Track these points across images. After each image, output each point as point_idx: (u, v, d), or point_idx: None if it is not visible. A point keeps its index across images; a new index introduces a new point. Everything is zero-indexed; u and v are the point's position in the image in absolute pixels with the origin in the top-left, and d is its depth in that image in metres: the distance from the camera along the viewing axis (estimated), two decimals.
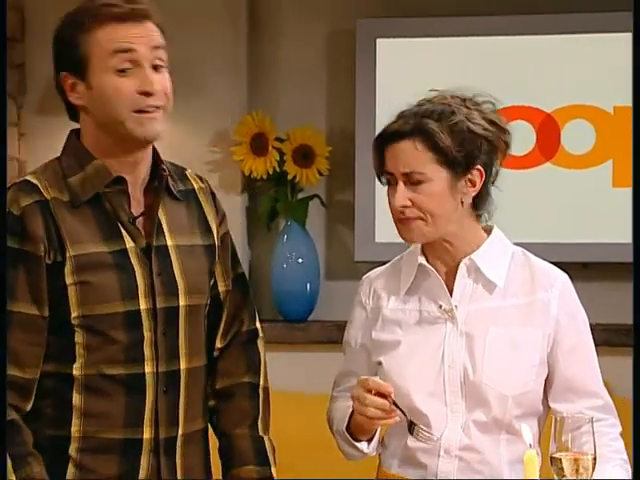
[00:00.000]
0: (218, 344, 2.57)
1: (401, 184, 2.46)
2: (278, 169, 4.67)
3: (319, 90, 4.82)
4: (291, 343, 4.58)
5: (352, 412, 2.48)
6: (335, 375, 2.70)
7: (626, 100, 4.52)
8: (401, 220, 2.49)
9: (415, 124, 2.46)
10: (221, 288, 2.57)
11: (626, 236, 4.52)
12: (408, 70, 4.51)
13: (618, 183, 4.56)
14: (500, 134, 2.52)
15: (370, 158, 4.68)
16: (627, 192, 4.52)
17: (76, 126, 2.49)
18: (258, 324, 2.63)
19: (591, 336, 2.57)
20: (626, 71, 4.51)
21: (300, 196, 4.73)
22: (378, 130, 4.66)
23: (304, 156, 4.67)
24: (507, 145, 2.55)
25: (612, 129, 4.56)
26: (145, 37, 2.37)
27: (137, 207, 2.43)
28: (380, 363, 2.55)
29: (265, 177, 4.67)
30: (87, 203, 2.40)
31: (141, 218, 2.43)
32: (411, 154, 2.46)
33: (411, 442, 2.51)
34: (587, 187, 4.58)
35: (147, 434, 2.41)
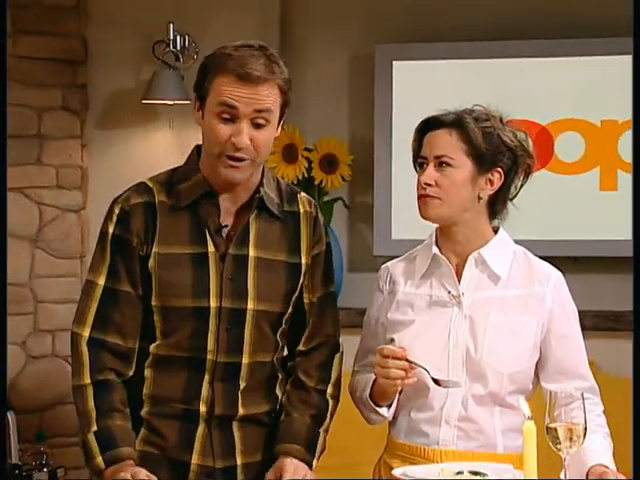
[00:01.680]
0: (301, 347, 2.58)
1: (431, 165, 2.50)
2: (306, 175, 4.66)
3: (342, 106, 4.81)
4: None
5: (374, 381, 2.49)
6: (355, 353, 2.70)
7: (611, 114, 4.53)
8: (422, 197, 2.51)
9: (455, 117, 2.50)
10: (306, 300, 2.57)
11: (611, 233, 4.53)
12: (420, 88, 4.51)
13: (604, 187, 4.56)
14: (526, 156, 2.54)
15: (387, 166, 4.71)
16: (612, 195, 4.53)
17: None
18: (340, 339, 2.63)
19: (579, 326, 2.58)
20: (611, 89, 4.52)
21: (326, 199, 4.72)
22: (394, 142, 4.68)
23: (329, 163, 4.67)
24: (530, 168, 2.56)
25: (599, 140, 4.55)
26: (252, 99, 2.36)
27: (228, 219, 2.46)
28: (392, 340, 2.55)
29: (295, 182, 4.67)
30: (186, 209, 2.45)
31: (228, 228, 2.46)
32: (446, 141, 2.49)
33: (414, 414, 2.53)
34: (577, 191, 4.57)
35: (203, 408, 2.45)
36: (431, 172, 2.49)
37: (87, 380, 2.41)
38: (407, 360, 2.41)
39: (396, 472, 2.38)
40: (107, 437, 2.38)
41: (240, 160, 2.37)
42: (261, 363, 2.51)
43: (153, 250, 2.43)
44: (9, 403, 4.45)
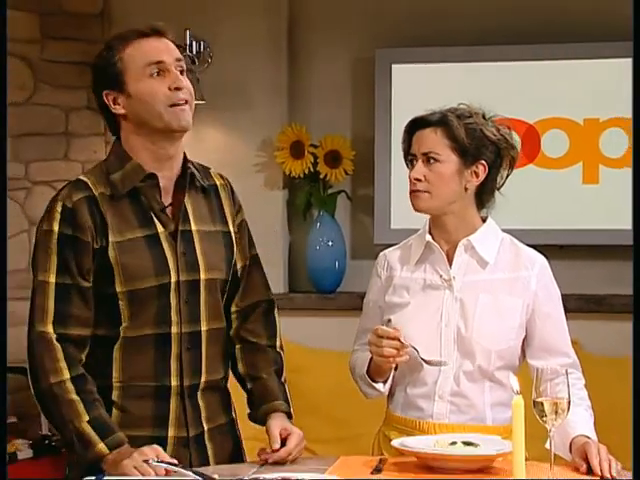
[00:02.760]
0: (234, 307, 2.55)
1: (420, 162, 2.50)
2: (312, 169, 4.66)
3: (345, 105, 4.80)
4: (323, 310, 4.60)
5: (371, 359, 2.50)
6: (355, 334, 2.70)
7: (593, 113, 4.52)
8: (413, 191, 2.52)
9: (440, 116, 2.50)
10: (239, 265, 2.55)
11: (593, 223, 4.53)
12: (418, 89, 4.50)
13: (587, 180, 4.55)
14: (509, 148, 2.54)
15: (386, 161, 4.72)
16: (594, 188, 4.53)
17: None
18: (272, 295, 2.62)
19: (563, 307, 2.58)
20: (593, 90, 4.51)
21: (330, 191, 4.71)
22: (393, 139, 4.68)
23: (333, 159, 4.66)
24: (514, 159, 2.56)
25: (582, 137, 4.54)
26: (168, 49, 2.39)
27: (167, 198, 2.43)
28: (390, 320, 2.55)
29: (302, 176, 4.67)
30: (126, 196, 2.39)
31: (170, 207, 2.43)
32: (432, 138, 2.49)
33: (410, 390, 2.53)
34: (562, 184, 4.56)
35: (174, 382, 2.41)
36: (420, 168, 2.50)
37: (67, 375, 2.32)
38: (399, 340, 2.42)
39: (394, 443, 2.39)
40: (102, 424, 2.30)
41: (184, 102, 2.36)
42: (217, 330, 2.47)
43: (110, 240, 2.35)
44: None
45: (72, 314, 2.36)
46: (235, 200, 2.57)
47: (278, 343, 2.59)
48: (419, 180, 2.50)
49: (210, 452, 2.46)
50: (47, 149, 4.63)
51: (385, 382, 2.53)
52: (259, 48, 4.67)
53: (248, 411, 2.55)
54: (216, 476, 2.04)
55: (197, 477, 2.09)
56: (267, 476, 1.97)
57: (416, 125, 2.54)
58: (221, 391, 2.53)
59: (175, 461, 2.25)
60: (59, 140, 4.67)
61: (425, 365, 2.49)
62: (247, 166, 4.63)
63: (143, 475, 2.21)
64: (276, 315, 2.61)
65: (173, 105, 2.35)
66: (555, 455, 2.22)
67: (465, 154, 2.49)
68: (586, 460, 2.29)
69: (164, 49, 2.39)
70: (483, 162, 2.51)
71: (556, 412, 2.19)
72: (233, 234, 2.52)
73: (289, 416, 2.51)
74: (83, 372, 2.36)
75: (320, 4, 4.78)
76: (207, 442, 2.46)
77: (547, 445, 2.22)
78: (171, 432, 2.41)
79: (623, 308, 4.46)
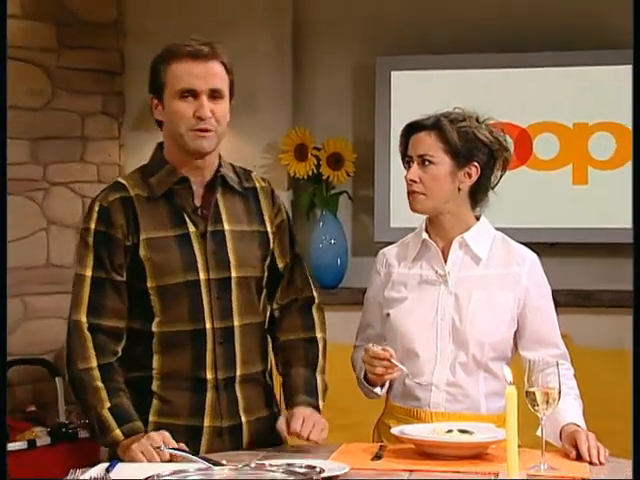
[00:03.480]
0: (275, 305, 2.56)
1: (415, 164, 2.50)
2: (315, 171, 4.66)
3: (347, 110, 4.80)
4: (326, 304, 4.54)
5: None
6: (356, 327, 2.70)
7: (583, 118, 4.52)
8: (409, 192, 2.52)
9: (434, 121, 2.50)
10: (280, 264, 2.54)
11: (583, 222, 4.53)
12: (416, 95, 4.49)
13: (577, 182, 4.55)
14: (502, 150, 2.53)
15: (386, 163, 4.73)
16: (584, 188, 4.53)
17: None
18: (315, 292, 2.61)
19: (552, 302, 2.58)
20: (583, 95, 4.51)
21: (332, 192, 4.71)
22: (392, 142, 4.67)
23: (335, 161, 4.66)
24: (507, 160, 2.56)
25: (572, 140, 4.54)
26: (206, 76, 2.37)
27: (199, 201, 2.44)
28: (388, 315, 2.56)
29: (305, 177, 4.67)
30: (161, 198, 2.42)
31: (203, 209, 2.43)
32: (426, 142, 2.49)
33: (408, 381, 2.53)
34: (553, 185, 4.56)
35: (209, 375, 2.42)
36: (415, 170, 2.50)
37: (94, 363, 2.35)
38: (389, 360, 2.41)
39: (394, 430, 2.39)
40: (122, 412, 2.32)
41: (206, 130, 2.36)
42: (251, 325, 2.47)
43: (141, 238, 2.38)
44: (59, 370, 4.47)
45: (105, 306, 2.39)
46: (275, 202, 2.55)
47: (314, 334, 2.56)
48: (414, 181, 2.50)
49: (246, 442, 2.46)
50: (64, 152, 4.63)
51: (382, 386, 2.52)
52: (265, 57, 4.67)
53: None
54: (224, 461, 2.04)
55: (204, 462, 2.09)
56: (272, 462, 1.97)
57: (412, 129, 2.54)
58: (261, 384, 2.52)
59: (184, 446, 2.26)
60: (75, 143, 4.67)
61: (422, 357, 2.49)
62: (253, 168, 4.62)
63: (148, 459, 2.23)
64: (315, 310, 2.59)
65: (196, 130, 2.36)
66: (546, 442, 2.23)
67: (458, 156, 2.49)
68: (575, 447, 2.29)
69: (201, 75, 2.37)
70: (476, 164, 2.51)
71: (547, 401, 2.19)
72: (270, 234, 2.51)
73: (316, 408, 2.48)
74: (111, 362, 2.38)
75: (323, 14, 4.78)
76: (245, 433, 2.46)
77: (538, 433, 2.22)
78: (207, 422, 2.42)
79: (611, 303, 4.47)
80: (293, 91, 4.77)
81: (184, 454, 2.20)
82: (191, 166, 2.42)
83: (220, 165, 2.46)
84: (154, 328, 2.41)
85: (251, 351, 2.47)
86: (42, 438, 4.21)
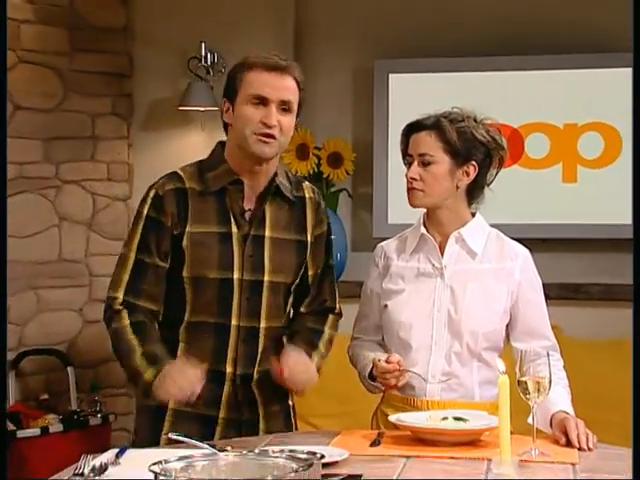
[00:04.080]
0: (302, 310, 2.56)
1: (416, 163, 2.50)
2: (316, 170, 4.65)
3: (346, 111, 4.80)
4: None
5: (373, 363, 2.47)
6: (354, 318, 2.70)
7: (572, 119, 4.51)
8: (409, 189, 2.51)
9: (434, 121, 2.49)
10: (310, 272, 2.55)
11: (572, 219, 4.53)
12: (413, 97, 4.49)
13: (566, 180, 4.55)
14: (499, 149, 2.53)
15: (384, 162, 4.72)
16: (573, 186, 4.54)
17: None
18: (338, 305, 2.61)
19: (543, 295, 2.57)
20: (573, 97, 4.51)
21: (332, 190, 4.71)
22: (390, 142, 4.67)
23: (335, 160, 4.66)
24: (502, 159, 2.55)
25: (562, 140, 4.54)
26: (278, 88, 2.36)
27: (249, 204, 2.43)
28: (386, 306, 2.56)
29: (307, 176, 4.67)
30: (213, 194, 2.42)
31: (250, 213, 2.43)
32: (426, 141, 2.49)
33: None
34: (543, 183, 4.56)
35: (229, 369, 2.42)
36: (415, 168, 2.50)
37: (126, 322, 2.37)
38: (399, 370, 2.40)
39: (391, 418, 2.39)
40: (152, 356, 2.34)
41: (270, 137, 2.36)
42: (274, 328, 2.48)
43: (186, 230, 2.39)
44: (70, 360, 4.48)
45: (143, 288, 2.40)
46: (319, 213, 2.55)
47: (324, 328, 2.56)
48: (415, 179, 2.50)
49: (261, 434, 2.46)
50: (75, 151, 4.63)
51: None
52: None
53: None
54: (229, 448, 2.04)
55: (209, 448, 2.09)
56: (275, 448, 1.97)
57: (412, 128, 2.53)
58: (276, 382, 2.50)
59: (198, 390, 2.29)
60: (86, 143, 4.67)
61: (418, 348, 2.49)
62: None
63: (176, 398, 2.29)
64: (331, 317, 2.59)
65: (259, 134, 2.36)
66: (537, 429, 2.23)
67: (457, 155, 2.49)
68: (565, 433, 2.29)
69: (274, 86, 2.36)
70: (474, 162, 2.50)
71: (538, 390, 2.19)
72: (309, 244, 2.51)
73: (315, 348, 2.50)
74: (144, 321, 2.39)
75: (323, 19, 4.78)
76: (261, 426, 2.47)
77: (530, 420, 2.22)
78: (222, 414, 2.43)
79: (600, 295, 4.47)
80: None
81: (192, 441, 2.20)
82: (249, 170, 2.42)
83: (276, 174, 2.46)
84: (183, 316, 2.42)
85: (271, 351, 2.47)
86: (55, 425, 4.21)
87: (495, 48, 4.54)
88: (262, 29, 4.63)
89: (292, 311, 2.58)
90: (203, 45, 4.54)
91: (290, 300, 2.54)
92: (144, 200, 2.44)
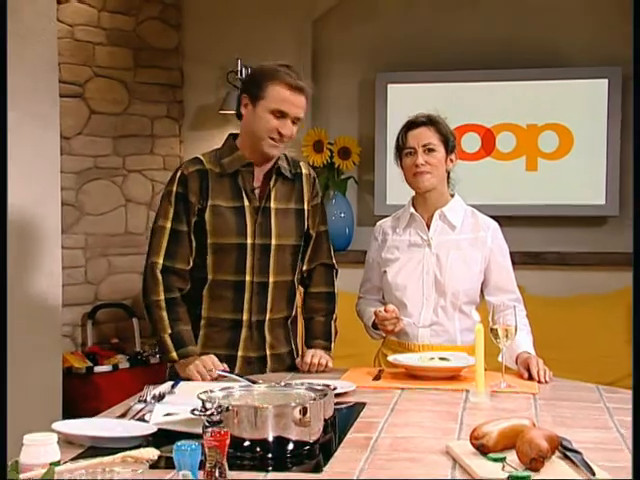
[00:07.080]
0: (305, 267, 2.53)
1: (420, 151, 2.46)
2: (329, 161, 4.63)
3: (354, 114, 4.77)
4: (338, 263, 4.59)
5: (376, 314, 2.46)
6: (360, 280, 2.69)
7: (533, 120, 4.48)
8: (416, 174, 2.46)
9: (428, 118, 2.48)
10: (312, 233, 2.51)
11: (533, 200, 4.51)
12: (407, 103, 4.45)
13: (529, 169, 4.51)
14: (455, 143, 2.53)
15: (384, 155, 4.68)
16: (534, 174, 4.51)
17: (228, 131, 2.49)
18: (334, 260, 2.58)
19: (510, 259, 2.56)
20: (534, 103, 4.47)
21: (342, 177, 4.69)
22: (388, 140, 4.61)
23: (344, 153, 4.64)
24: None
25: (525, 137, 4.50)
26: (296, 105, 2.33)
27: (258, 183, 2.41)
28: (385, 272, 2.55)
29: (321, 166, 4.65)
30: (228, 175, 2.38)
31: (259, 189, 2.41)
32: (428, 134, 2.46)
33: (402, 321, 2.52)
34: (511, 171, 4.53)
35: (245, 317, 2.40)
36: (422, 156, 2.46)
37: (161, 296, 2.33)
38: (396, 317, 2.40)
39: (390, 358, 2.39)
40: (179, 338, 2.31)
41: (280, 142, 2.34)
42: (283, 281, 2.44)
43: (208, 204, 2.35)
44: (135, 312, 4.49)
45: (178, 252, 2.35)
46: (314, 187, 2.51)
47: (332, 290, 2.55)
48: (422, 164, 2.46)
49: (269, 369, 2.44)
50: (138, 146, 4.62)
51: None
52: None
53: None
54: (260, 381, 2.05)
55: (245, 380, 2.09)
56: (297, 381, 1.98)
57: (412, 125, 2.50)
58: (284, 326, 2.49)
59: (227, 368, 2.27)
60: (146, 140, 4.66)
61: (411, 303, 2.48)
62: None
63: (201, 376, 2.24)
64: (333, 274, 2.57)
65: (273, 139, 2.33)
66: (505, 366, 2.22)
67: (448, 145, 2.48)
68: (527, 369, 2.29)
69: (294, 104, 2.32)
70: (455, 151, 2.50)
71: (506, 335, 2.18)
72: (307, 212, 2.48)
73: (327, 348, 2.48)
74: (177, 297, 2.35)
75: (335, 40, 4.74)
76: (268, 362, 2.45)
77: (499, 359, 2.22)
78: (240, 353, 2.40)
79: (554, 261, 4.47)
80: (312, 100, 4.73)
81: (230, 374, 2.20)
82: (255, 159, 2.39)
83: (278, 158, 2.42)
84: (207, 276, 2.38)
85: (280, 301, 2.44)
86: (123, 363, 4.24)
87: (473, 63, 4.50)
88: (286, 48, 4.60)
89: (300, 266, 2.51)
90: (239, 61, 4.52)
91: (297, 258, 2.48)
92: (172, 180, 2.38)
